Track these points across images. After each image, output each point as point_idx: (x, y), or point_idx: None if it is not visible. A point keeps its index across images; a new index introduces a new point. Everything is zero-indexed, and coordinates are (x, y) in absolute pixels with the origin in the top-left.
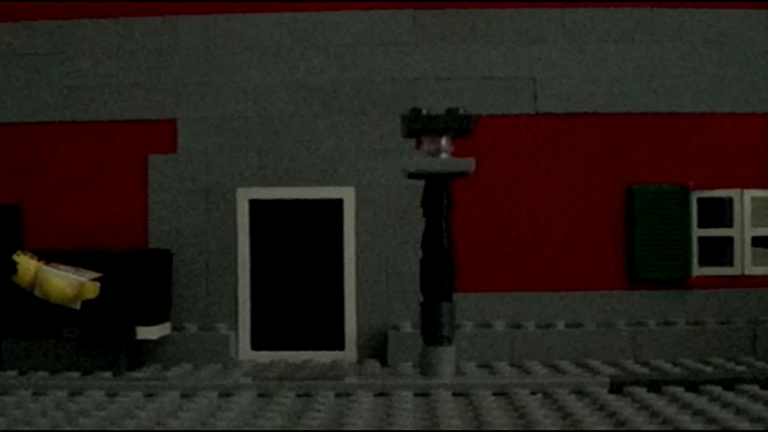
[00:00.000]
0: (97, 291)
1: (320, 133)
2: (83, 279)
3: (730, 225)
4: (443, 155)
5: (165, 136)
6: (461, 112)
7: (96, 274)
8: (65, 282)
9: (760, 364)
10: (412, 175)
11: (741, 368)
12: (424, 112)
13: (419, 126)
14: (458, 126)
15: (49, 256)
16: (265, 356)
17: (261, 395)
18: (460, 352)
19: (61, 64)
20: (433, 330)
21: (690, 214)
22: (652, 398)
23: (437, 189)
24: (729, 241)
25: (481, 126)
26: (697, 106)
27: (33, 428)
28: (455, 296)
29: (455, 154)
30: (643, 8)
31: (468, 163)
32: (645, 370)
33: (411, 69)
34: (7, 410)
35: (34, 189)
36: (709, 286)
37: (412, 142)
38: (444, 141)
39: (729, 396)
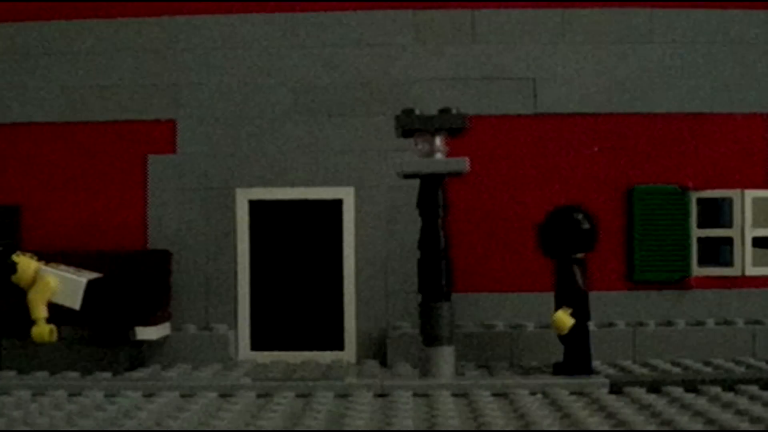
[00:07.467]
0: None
1: (320, 133)
2: (83, 279)
3: (730, 225)
4: (437, 155)
5: (165, 136)
6: (454, 111)
7: (96, 274)
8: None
9: (760, 365)
10: (406, 176)
11: (741, 368)
12: (417, 112)
13: (412, 126)
14: (451, 125)
15: (49, 256)
16: (265, 356)
17: (261, 395)
18: (459, 352)
19: (61, 64)
20: (432, 330)
21: (690, 214)
22: (652, 399)
23: (432, 189)
24: (729, 241)
25: (480, 126)
26: (698, 106)
27: (32, 428)
28: (455, 296)
29: (455, 153)
30: (642, 9)
31: (461, 163)
32: (645, 370)
33: (411, 69)
34: (7, 410)
35: (34, 189)
36: (709, 286)
37: (412, 142)
38: (438, 141)
39: (729, 396)
